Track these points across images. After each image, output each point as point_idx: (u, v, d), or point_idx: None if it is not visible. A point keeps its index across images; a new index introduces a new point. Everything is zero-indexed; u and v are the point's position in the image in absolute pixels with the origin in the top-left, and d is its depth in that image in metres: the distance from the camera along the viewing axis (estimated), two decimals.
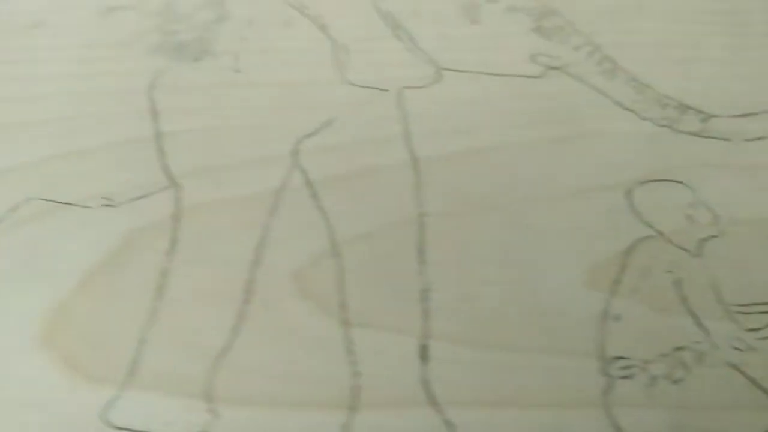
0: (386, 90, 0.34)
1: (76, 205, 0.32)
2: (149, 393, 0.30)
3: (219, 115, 0.34)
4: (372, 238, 0.32)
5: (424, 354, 0.30)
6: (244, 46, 0.35)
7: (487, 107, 0.34)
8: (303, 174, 0.33)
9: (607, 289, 0.33)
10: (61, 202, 0.32)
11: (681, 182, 0.33)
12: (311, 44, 0.35)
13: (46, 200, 0.32)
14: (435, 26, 0.35)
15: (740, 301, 0.31)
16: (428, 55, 0.35)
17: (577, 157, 0.33)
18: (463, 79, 0.35)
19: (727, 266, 0.31)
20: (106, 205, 0.32)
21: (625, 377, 0.30)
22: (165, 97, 0.34)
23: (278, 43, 0.35)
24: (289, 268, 0.32)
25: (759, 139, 0.33)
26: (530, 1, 0.36)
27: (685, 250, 0.33)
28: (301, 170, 0.33)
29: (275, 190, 0.33)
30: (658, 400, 0.29)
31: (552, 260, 0.32)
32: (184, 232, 0.32)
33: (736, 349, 0.31)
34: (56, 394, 0.30)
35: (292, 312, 0.31)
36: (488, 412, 0.30)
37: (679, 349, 0.31)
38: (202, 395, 0.30)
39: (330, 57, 0.35)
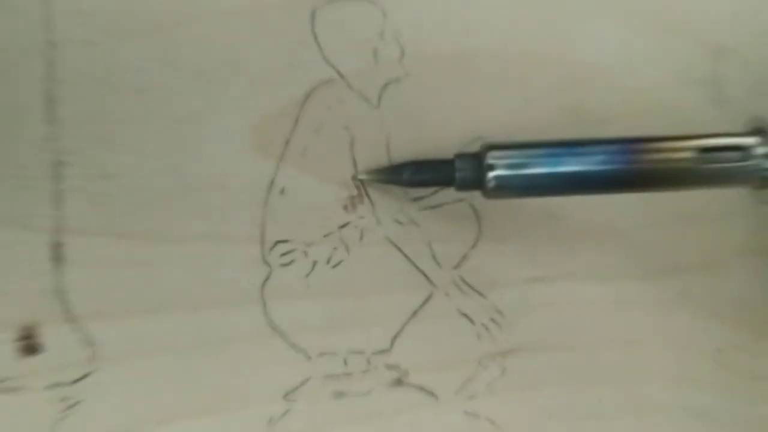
0: None
1: None
2: None
3: None
4: None
5: (57, 254, 0.22)
6: None
7: None
8: None
9: (277, 153, 0.25)
10: None
11: (372, 2, 0.26)
12: None
13: None
14: None
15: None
16: None
17: None
18: None
19: (402, 118, 0.27)
20: None
21: (285, 264, 0.25)
22: None
23: None
24: None
25: None
26: None
27: (366, 99, 0.26)
28: None
29: None
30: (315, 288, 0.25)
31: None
32: None
33: (398, 222, 0.27)
34: None
35: None
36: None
37: (342, 226, 0.26)
38: None
39: None
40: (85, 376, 0.23)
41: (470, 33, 0.28)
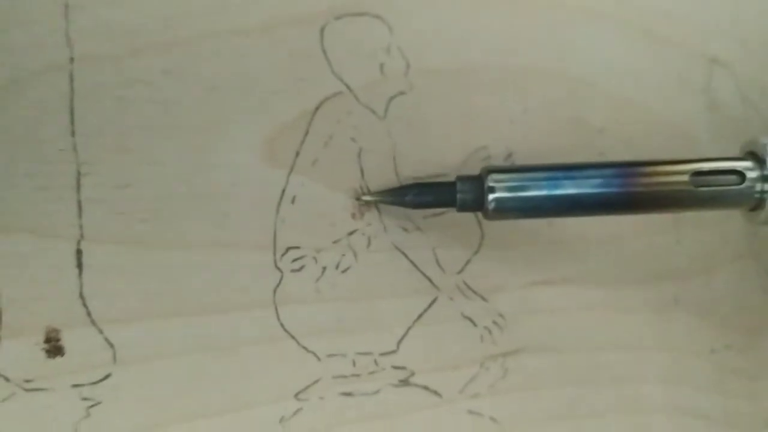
0: None
1: None
2: None
3: None
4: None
5: (79, 261, 0.23)
6: None
7: None
8: None
9: (288, 163, 0.26)
10: None
11: (379, 17, 0.27)
12: None
13: None
14: None
15: (414, 175, 0.28)
16: None
17: None
18: None
19: (408, 129, 0.28)
20: None
21: (296, 270, 0.26)
22: None
23: None
24: None
25: None
26: None
27: (373, 111, 0.27)
28: None
29: None
30: (325, 293, 0.26)
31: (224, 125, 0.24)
32: None
33: (404, 229, 0.28)
34: None
35: None
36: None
37: (351, 233, 0.27)
38: None
39: None
40: (105, 378, 0.24)
41: (472, 48, 0.29)
